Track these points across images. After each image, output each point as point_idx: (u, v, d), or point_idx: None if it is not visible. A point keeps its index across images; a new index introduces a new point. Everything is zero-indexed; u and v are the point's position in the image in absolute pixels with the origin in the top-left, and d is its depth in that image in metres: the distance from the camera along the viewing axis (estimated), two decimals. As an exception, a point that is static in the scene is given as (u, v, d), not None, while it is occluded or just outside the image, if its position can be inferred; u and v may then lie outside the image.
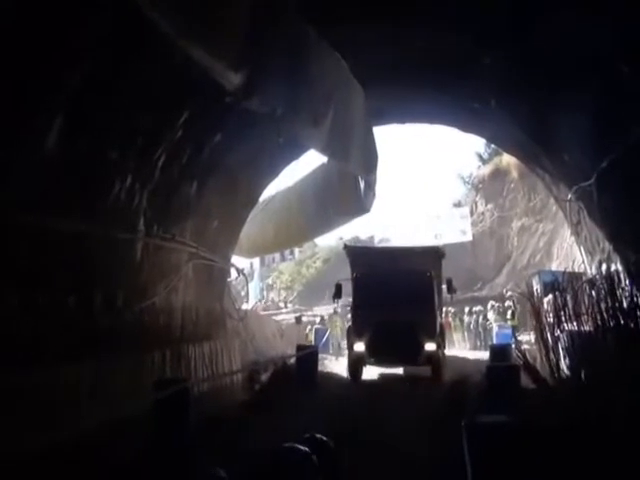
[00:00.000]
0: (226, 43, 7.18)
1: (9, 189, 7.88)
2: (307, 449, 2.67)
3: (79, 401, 8.98)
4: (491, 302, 31.05)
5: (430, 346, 16.08)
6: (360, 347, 16.39)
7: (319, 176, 19.99)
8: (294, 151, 17.09)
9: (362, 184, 17.76)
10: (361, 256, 19.31)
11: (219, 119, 12.27)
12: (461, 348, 28.59)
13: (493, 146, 34.54)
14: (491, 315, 29.37)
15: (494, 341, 24.58)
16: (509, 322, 28.95)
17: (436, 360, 16.28)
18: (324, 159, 18.56)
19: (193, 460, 7.84)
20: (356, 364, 16.72)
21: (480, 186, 40.60)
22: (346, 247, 20.68)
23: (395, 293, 16.12)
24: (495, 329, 27.21)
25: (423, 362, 16.16)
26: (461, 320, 30.34)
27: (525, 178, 34.07)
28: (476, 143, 39.98)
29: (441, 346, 16.89)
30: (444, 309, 26.25)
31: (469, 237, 38.05)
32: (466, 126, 17.49)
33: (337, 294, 18.83)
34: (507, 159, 34.51)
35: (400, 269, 16.96)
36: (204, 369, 14.05)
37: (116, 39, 8.29)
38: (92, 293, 10.14)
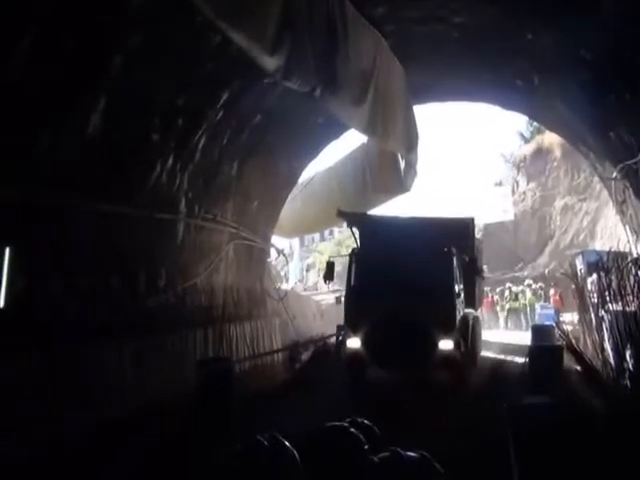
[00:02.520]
0: (261, 26, 7.18)
1: (53, 171, 8.02)
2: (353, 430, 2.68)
3: (124, 379, 9.18)
4: (527, 281, 30.68)
5: (446, 344, 12.26)
6: (355, 343, 12.58)
7: (359, 155, 19.91)
8: (333, 131, 17.04)
9: (402, 163, 17.65)
10: (362, 226, 15.03)
11: (259, 100, 12.29)
12: (506, 330, 28.25)
13: (535, 124, 33.99)
14: (528, 294, 29.06)
15: (536, 321, 24.30)
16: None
17: (455, 362, 12.42)
18: (364, 138, 18.50)
19: (235, 437, 7.94)
20: (354, 364, 12.87)
21: (522, 165, 40.00)
22: (341, 214, 15.47)
23: (403, 275, 12.31)
24: (537, 309, 26.90)
25: (438, 365, 12.45)
26: (514, 300, 29.75)
27: (568, 156, 33.44)
28: (518, 121, 39.44)
29: (462, 345, 12.83)
30: (485, 289, 25.86)
31: (510, 217, 37.59)
32: (508, 103, 17.22)
33: (328, 274, 14.42)
34: (550, 137, 33.90)
35: (412, 245, 12.67)
36: (245, 348, 14.20)
37: (157, 19, 8.33)
38: (135, 274, 10.31)
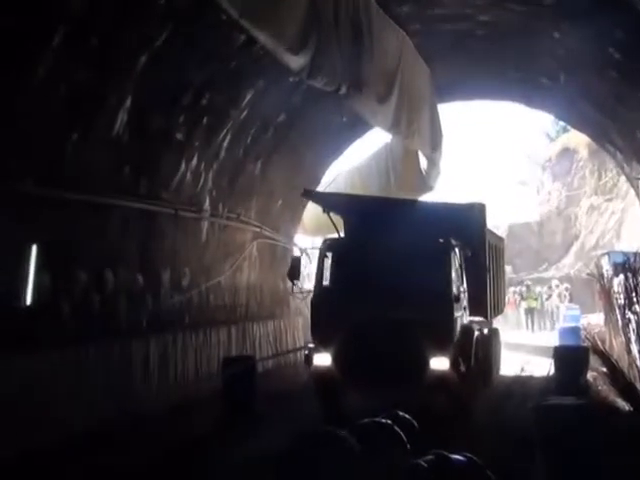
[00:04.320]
0: (286, 26, 7.19)
1: (80, 170, 8.10)
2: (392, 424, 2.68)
3: (148, 375, 9.26)
4: (554, 282, 30.23)
5: (440, 363, 9.44)
6: (324, 360, 9.68)
7: (382, 155, 19.91)
8: (357, 130, 17.02)
9: (425, 162, 17.60)
10: (337, 210, 11.82)
11: (283, 98, 12.31)
12: (527, 330, 27.91)
13: (561, 123, 33.73)
14: (555, 296, 28.63)
15: (561, 323, 24.06)
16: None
17: (451, 386, 9.50)
18: (388, 138, 18.47)
19: (261, 434, 7.97)
20: (323, 387, 9.87)
21: (547, 164, 39.70)
22: (308, 194, 12.74)
23: (386, 273, 9.76)
24: (562, 310, 26.61)
25: (429, 387, 9.45)
26: (533, 299, 28.98)
27: (595, 156, 33.13)
28: (543, 120, 39.13)
29: (461, 363, 9.78)
30: (511, 290, 25.40)
31: (535, 217, 37.39)
32: (533, 102, 17.09)
33: (293, 273, 10.90)
34: (576, 137, 33.57)
35: (399, 234, 9.86)
36: (268, 347, 14.24)
37: (181, 19, 8.39)
38: (159, 272, 10.38)
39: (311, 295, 10.57)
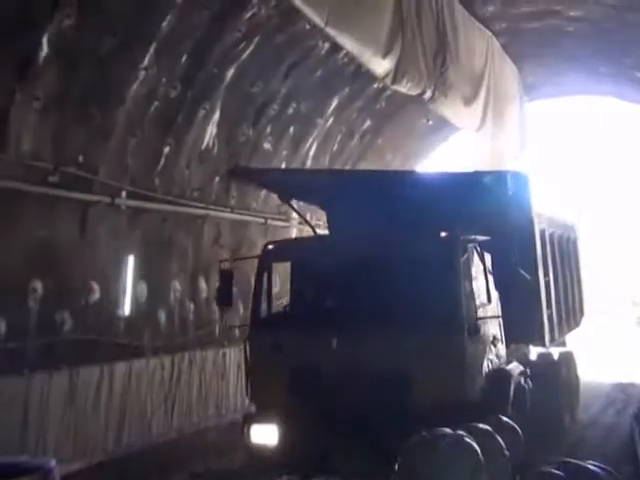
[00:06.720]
0: (374, 30, 7.21)
1: (172, 182, 8.36)
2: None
3: (242, 381, 9.40)
4: None
5: None
6: (267, 436, 5.99)
7: (470, 157, 19.73)
8: (442, 133, 16.82)
9: (513, 162, 17.28)
10: (297, 197, 8.36)
11: (368, 104, 12.31)
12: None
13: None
14: None
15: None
16: None
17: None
18: (472, 141, 18.22)
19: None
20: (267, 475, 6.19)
21: (643, 160, 38.12)
22: (238, 171, 8.70)
23: (360, 296, 6.16)
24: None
25: None
26: None
27: (696, 150, 31.62)
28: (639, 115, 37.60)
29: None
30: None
31: (631, 215, 36.06)
32: (629, 96, 16.45)
33: (223, 293, 6.93)
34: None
35: (382, 230, 6.40)
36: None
37: (266, 31, 8.53)
38: (250, 280, 10.50)
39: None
